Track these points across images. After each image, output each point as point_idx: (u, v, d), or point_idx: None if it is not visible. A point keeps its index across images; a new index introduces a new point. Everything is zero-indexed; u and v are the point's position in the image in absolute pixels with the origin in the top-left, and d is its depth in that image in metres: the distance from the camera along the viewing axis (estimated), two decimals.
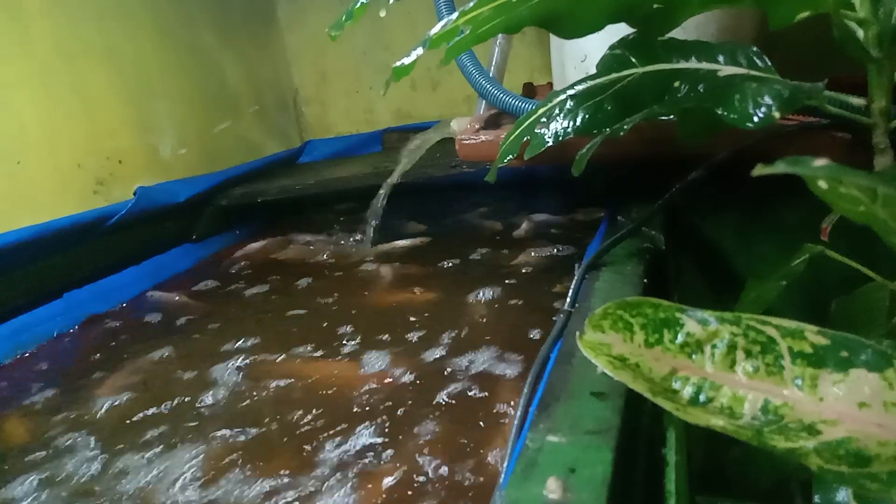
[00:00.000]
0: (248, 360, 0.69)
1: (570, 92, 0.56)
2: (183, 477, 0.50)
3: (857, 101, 0.49)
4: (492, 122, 0.89)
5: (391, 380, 0.61)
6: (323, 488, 0.46)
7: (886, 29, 0.44)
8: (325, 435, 0.53)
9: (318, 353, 0.69)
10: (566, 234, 0.98)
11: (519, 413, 0.37)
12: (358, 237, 1.09)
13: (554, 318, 0.47)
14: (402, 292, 0.84)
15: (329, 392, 0.60)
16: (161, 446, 0.55)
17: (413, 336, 0.69)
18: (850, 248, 0.49)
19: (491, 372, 0.60)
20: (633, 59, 0.54)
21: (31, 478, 0.53)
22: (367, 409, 0.56)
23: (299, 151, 1.59)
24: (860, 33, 0.45)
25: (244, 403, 0.60)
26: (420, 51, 0.48)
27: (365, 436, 0.52)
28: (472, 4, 0.47)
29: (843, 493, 0.34)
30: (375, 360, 0.65)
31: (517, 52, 1.35)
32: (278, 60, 1.58)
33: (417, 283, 0.85)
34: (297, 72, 1.62)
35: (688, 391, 0.31)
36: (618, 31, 0.54)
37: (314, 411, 0.57)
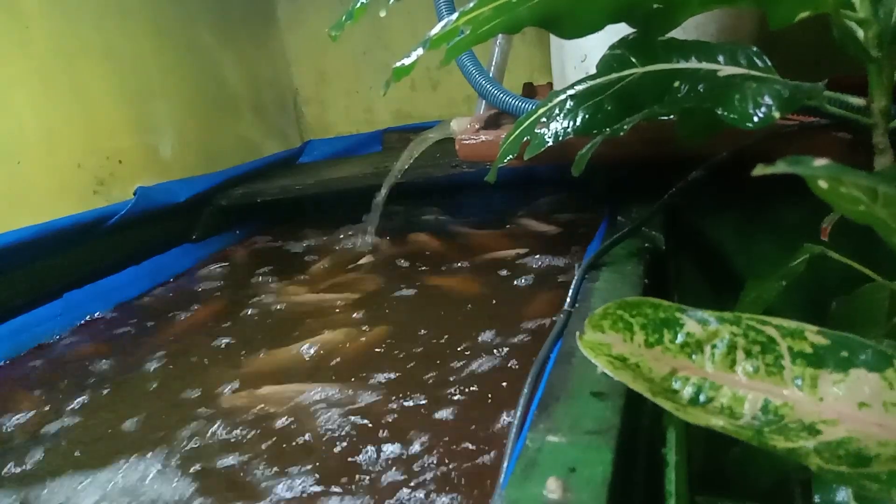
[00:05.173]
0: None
1: (570, 92, 0.56)
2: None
3: (857, 101, 0.50)
4: (492, 122, 0.89)
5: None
6: None
7: (886, 29, 0.44)
8: None
9: None
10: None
11: (519, 413, 0.36)
12: (357, 237, 1.09)
13: (554, 318, 0.47)
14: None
15: None
16: None
17: None
18: (851, 248, 0.49)
19: None
20: (633, 59, 0.54)
21: None
22: None
23: (299, 151, 1.59)
24: (860, 33, 0.45)
25: None
26: (420, 51, 0.48)
27: None
28: (472, 5, 0.47)
29: (843, 493, 0.34)
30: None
31: (517, 52, 1.35)
32: (278, 60, 1.58)
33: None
34: (296, 72, 1.62)
35: (688, 391, 0.31)
36: (618, 31, 0.54)
37: None
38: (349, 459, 0.49)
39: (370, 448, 0.50)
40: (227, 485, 0.49)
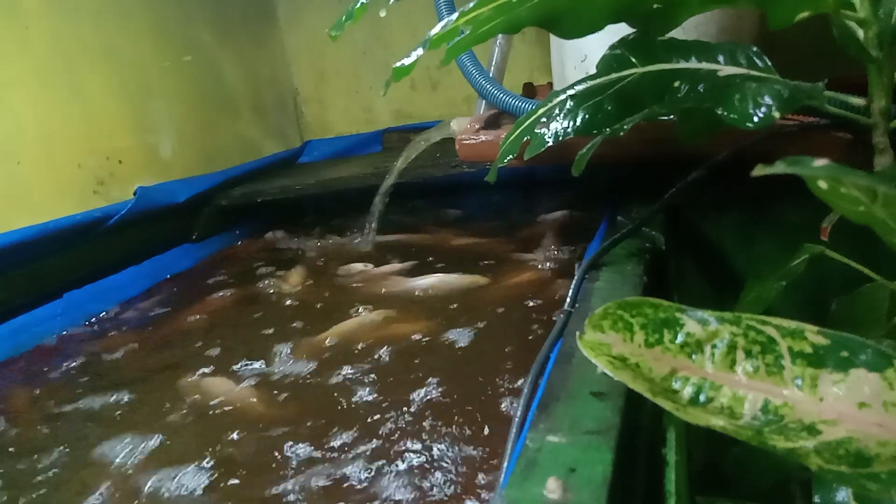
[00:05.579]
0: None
1: (570, 92, 0.56)
2: None
3: (857, 101, 0.50)
4: (492, 122, 0.89)
5: None
6: None
7: (886, 29, 0.44)
8: None
9: None
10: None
11: (519, 413, 0.36)
12: (357, 236, 1.09)
13: (554, 318, 0.47)
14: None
15: None
16: None
17: None
18: (851, 248, 0.49)
19: None
20: (633, 59, 0.54)
21: None
22: None
23: (299, 151, 1.59)
24: (860, 33, 0.45)
25: None
26: (420, 51, 0.48)
27: None
28: (472, 5, 0.47)
29: (843, 493, 0.34)
30: None
31: (517, 52, 1.35)
32: (277, 60, 1.58)
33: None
34: (296, 71, 1.62)
35: (688, 391, 0.31)
36: (618, 31, 0.54)
37: None
38: None
39: None
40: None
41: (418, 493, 0.45)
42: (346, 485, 0.47)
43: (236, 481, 0.49)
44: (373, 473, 0.47)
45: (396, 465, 0.48)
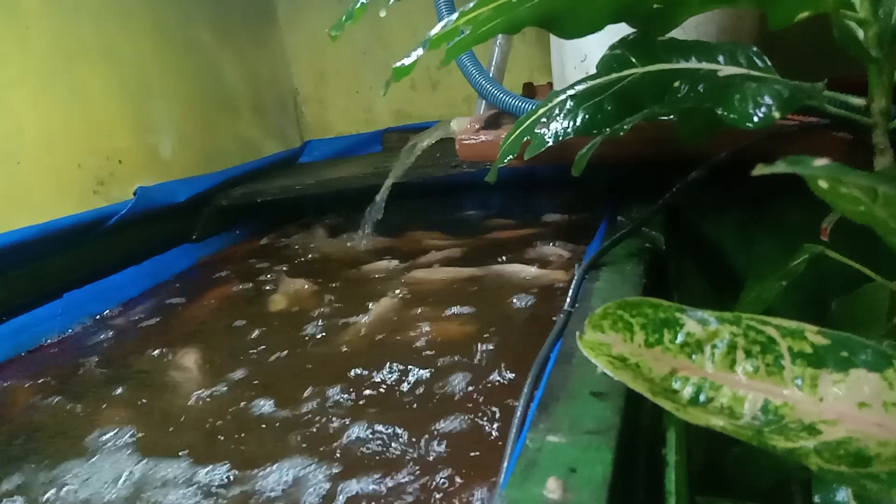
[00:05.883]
0: None
1: (570, 92, 0.56)
2: None
3: (857, 101, 0.50)
4: (492, 122, 0.89)
5: None
6: None
7: (886, 29, 0.44)
8: None
9: None
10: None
11: (519, 413, 0.36)
12: (356, 236, 1.10)
13: (554, 318, 0.47)
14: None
15: None
16: None
17: None
18: (851, 248, 0.49)
19: None
20: (633, 59, 0.54)
21: None
22: None
23: (299, 151, 1.59)
24: (860, 33, 0.45)
25: None
26: (420, 51, 0.48)
27: None
28: (472, 5, 0.47)
29: (843, 493, 0.34)
30: None
31: (517, 52, 1.35)
32: (277, 60, 1.58)
33: None
34: (296, 71, 1.62)
35: (688, 391, 0.31)
36: (618, 31, 0.54)
37: None
38: None
39: None
40: None
41: None
42: None
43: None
44: None
45: None
